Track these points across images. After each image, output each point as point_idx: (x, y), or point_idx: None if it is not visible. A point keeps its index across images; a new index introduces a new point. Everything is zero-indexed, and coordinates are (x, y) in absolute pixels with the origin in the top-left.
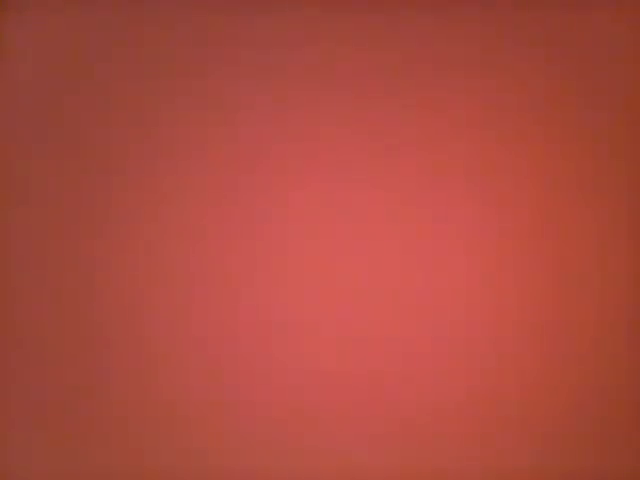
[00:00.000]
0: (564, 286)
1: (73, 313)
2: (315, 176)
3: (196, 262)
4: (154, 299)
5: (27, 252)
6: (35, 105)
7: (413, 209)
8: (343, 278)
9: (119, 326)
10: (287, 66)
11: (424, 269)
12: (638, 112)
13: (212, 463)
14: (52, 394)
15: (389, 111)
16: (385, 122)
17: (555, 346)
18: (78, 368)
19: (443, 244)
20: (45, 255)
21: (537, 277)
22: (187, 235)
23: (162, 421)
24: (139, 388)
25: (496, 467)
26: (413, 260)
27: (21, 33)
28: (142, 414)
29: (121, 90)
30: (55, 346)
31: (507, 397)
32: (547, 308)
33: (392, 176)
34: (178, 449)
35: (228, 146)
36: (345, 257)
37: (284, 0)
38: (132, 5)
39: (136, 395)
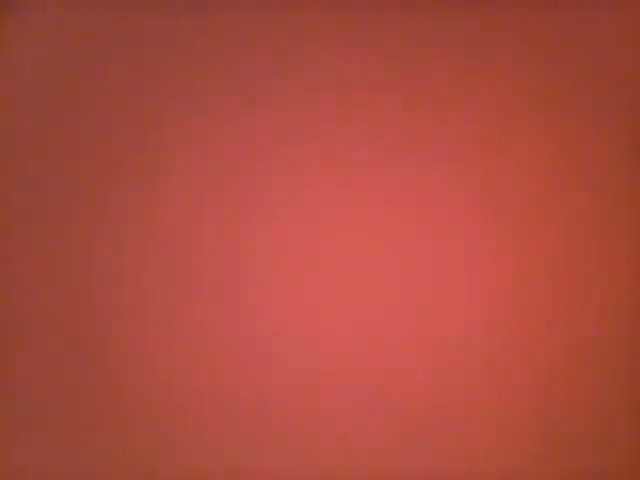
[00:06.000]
0: (564, 287)
1: (72, 312)
2: (315, 177)
3: (197, 261)
4: (154, 299)
5: (26, 252)
6: (35, 105)
7: (412, 208)
8: (343, 279)
9: (119, 326)
10: (288, 65)
11: (424, 269)
12: (639, 111)
13: (212, 463)
14: (51, 394)
15: (391, 112)
16: (386, 123)
17: (555, 347)
18: (77, 368)
19: (443, 244)
20: (45, 254)
21: (537, 278)
22: (188, 235)
23: (162, 421)
24: (139, 388)
25: (496, 468)
26: (413, 259)
27: (21, 33)
28: (141, 414)
29: (121, 90)
30: (54, 346)
31: (506, 398)
32: (547, 309)
33: (392, 177)
34: (178, 449)
35: (228, 146)
36: (344, 258)
37: None
38: (132, 5)
39: (136, 395)
